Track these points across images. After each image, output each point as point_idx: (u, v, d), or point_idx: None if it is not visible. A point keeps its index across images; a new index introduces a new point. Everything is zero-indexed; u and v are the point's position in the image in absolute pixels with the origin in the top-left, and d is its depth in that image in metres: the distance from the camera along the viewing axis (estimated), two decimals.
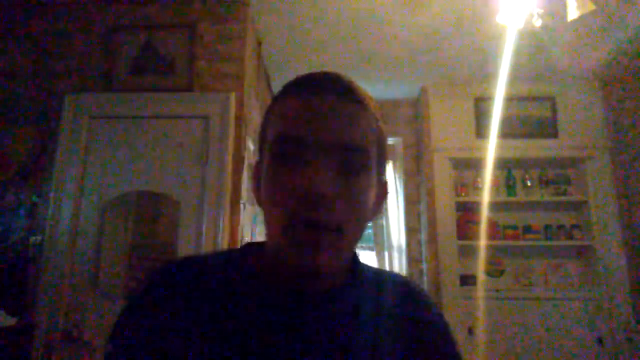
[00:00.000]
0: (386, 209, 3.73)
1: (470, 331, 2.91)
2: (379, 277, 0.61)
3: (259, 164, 0.55)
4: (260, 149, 0.55)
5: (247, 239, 2.31)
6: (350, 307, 0.53)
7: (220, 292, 0.52)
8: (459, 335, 2.87)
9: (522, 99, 3.20)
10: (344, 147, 0.48)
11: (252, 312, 0.50)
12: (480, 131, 3.20)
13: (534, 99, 3.22)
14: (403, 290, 0.60)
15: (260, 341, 0.48)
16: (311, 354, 0.48)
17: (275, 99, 0.54)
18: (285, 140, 0.48)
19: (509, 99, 3.13)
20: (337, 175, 0.47)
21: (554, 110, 3.20)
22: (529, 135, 3.17)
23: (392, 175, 3.66)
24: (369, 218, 0.52)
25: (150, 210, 2.10)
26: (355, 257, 0.59)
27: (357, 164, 0.49)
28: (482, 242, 3.05)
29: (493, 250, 3.16)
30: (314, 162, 0.46)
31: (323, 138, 0.47)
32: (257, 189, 0.55)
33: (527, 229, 3.19)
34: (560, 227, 3.17)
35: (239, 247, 0.61)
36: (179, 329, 0.49)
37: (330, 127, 0.48)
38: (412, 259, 3.33)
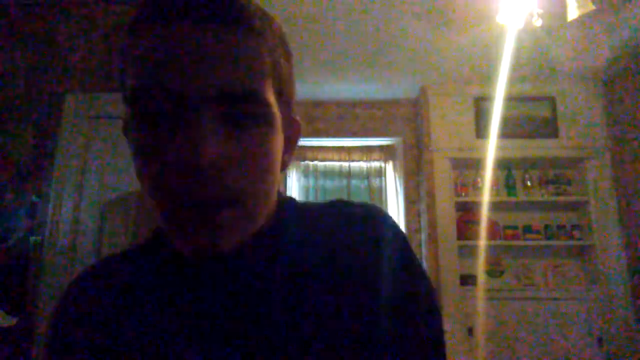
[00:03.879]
0: (386, 208, 3.73)
1: (470, 331, 2.91)
2: (312, 213, 0.49)
3: (126, 120, 0.41)
4: (123, 96, 0.40)
5: None
6: (266, 256, 0.44)
7: (133, 279, 0.46)
8: (459, 335, 2.87)
9: (522, 99, 3.20)
10: (228, 96, 0.36)
11: (164, 288, 0.44)
12: (480, 131, 3.20)
13: (534, 99, 3.22)
14: (335, 219, 0.47)
15: (176, 315, 0.42)
16: (230, 314, 0.42)
17: (134, 23, 0.39)
18: (147, 94, 0.36)
19: (509, 99, 3.13)
20: (224, 133, 0.36)
21: (554, 110, 3.20)
22: (529, 135, 3.17)
23: (392, 175, 3.66)
24: (276, 172, 0.42)
25: (150, 210, 2.09)
26: (281, 204, 0.48)
27: (249, 115, 0.37)
28: (482, 242, 3.05)
29: (493, 250, 3.16)
30: (189, 121, 0.35)
31: (199, 87, 0.35)
32: (128, 141, 0.41)
33: (527, 229, 3.19)
34: (560, 227, 3.17)
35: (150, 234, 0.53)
36: (104, 325, 0.44)
37: (208, 70, 0.35)
38: None
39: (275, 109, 0.40)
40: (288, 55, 0.44)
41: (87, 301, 0.46)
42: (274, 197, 0.44)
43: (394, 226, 0.48)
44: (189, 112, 0.35)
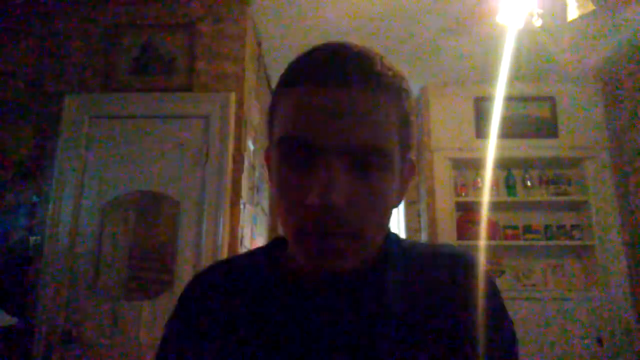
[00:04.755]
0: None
1: None
2: (412, 253, 0.55)
3: (269, 151, 0.52)
4: (269, 137, 0.51)
5: (247, 239, 2.32)
6: (374, 291, 0.50)
7: (247, 292, 0.54)
8: None
9: (522, 99, 3.20)
10: (358, 149, 0.43)
11: (274, 307, 0.51)
12: (480, 131, 3.20)
13: (534, 99, 3.22)
14: (432, 263, 0.54)
15: (278, 336, 0.49)
16: (335, 345, 0.48)
17: (283, 82, 0.48)
18: (292, 143, 0.44)
19: (509, 99, 3.13)
20: (352, 179, 0.43)
21: (554, 110, 3.20)
22: (529, 135, 3.17)
23: None
24: (391, 210, 0.49)
25: (150, 210, 2.10)
26: (388, 237, 0.55)
27: (374, 165, 0.44)
28: (482, 242, 3.04)
29: (493, 250, 3.16)
30: (324, 168, 0.42)
31: (334, 141, 0.42)
32: (268, 171, 0.53)
33: (527, 229, 3.19)
34: (560, 227, 3.17)
35: (267, 243, 0.61)
36: (215, 333, 0.52)
37: (343, 127, 0.42)
38: None
39: (397, 156, 0.46)
40: (413, 109, 0.50)
41: (201, 302, 0.55)
42: (386, 231, 0.53)
43: (492, 284, 0.53)
44: (323, 160, 0.42)
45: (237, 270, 0.58)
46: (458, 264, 0.53)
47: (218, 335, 0.51)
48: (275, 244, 0.58)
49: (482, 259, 0.57)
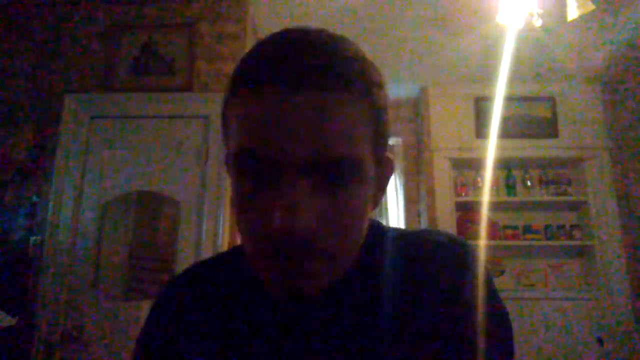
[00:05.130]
0: (386, 210, 3.73)
1: None
2: (398, 244, 0.50)
3: (228, 159, 0.44)
4: (225, 143, 0.44)
5: None
6: (353, 301, 0.46)
7: (219, 301, 0.50)
8: None
9: (522, 99, 3.20)
10: (324, 162, 0.37)
11: (249, 319, 0.48)
12: (480, 131, 3.20)
13: (534, 99, 3.22)
14: (417, 255, 0.48)
15: (259, 349, 0.46)
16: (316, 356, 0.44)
17: (233, 81, 0.41)
18: (248, 158, 0.38)
19: (509, 99, 3.13)
20: (319, 197, 0.37)
21: (554, 110, 3.20)
22: (529, 135, 3.17)
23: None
24: (366, 221, 0.44)
25: (150, 210, 2.10)
26: (370, 230, 0.48)
27: (344, 178, 0.38)
28: (482, 242, 3.04)
29: (493, 250, 3.16)
30: (286, 186, 0.36)
31: (296, 155, 0.36)
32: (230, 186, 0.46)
33: (527, 229, 3.19)
34: (560, 227, 3.17)
35: (227, 250, 0.58)
36: (190, 337, 0.49)
37: (304, 137, 0.36)
38: None
39: (370, 160, 0.41)
40: (386, 102, 0.44)
41: (177, 307, 0.52)
42: (361, 241, 0.44)
43: (481, 266, 0.49)
44: (285, 176, 0.37)
45: (208, 278, 0.54)
46: (444, 254, 0.48)
47: (196, 344, 0.49)
48: (237, 251, 0.54)
49: (472, 247, 0.51)
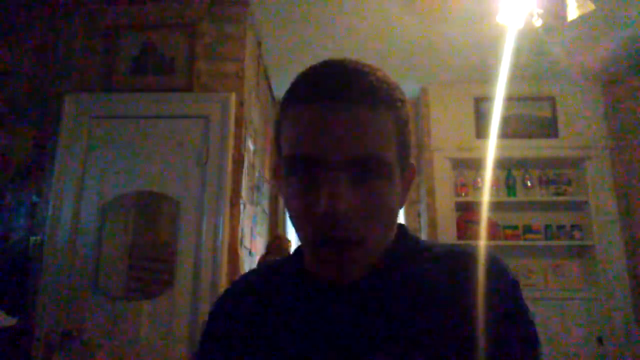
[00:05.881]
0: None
1: None
2: (427, 254, 0.56)
3: (278, 166, 0.56)
4: (278, 153, 0.56)
5: (247, 239, 2.32)
6: (376, 295, 0.51)
7: (268, 296, 0.59)
8: None
9: (522, 99, 3.20)
10: (359, 161, 0.47)
11: (289, 310, 0.56)
12: (480, 131, 3.20)
13: (534, 99, 3.22)
14: (448, 267, 0.53)
15: (289, 337, 0.53)
16: (333, 347, 0.50)
17: (287, 101, 0.52)
18: (299, 161, 0.49)
19: (509, 99, 3.13)
20: (355, 189, 0.47)
21: (554, 110, 3.20)
22: (529, 135, 3.17)
23: None
24: (395, 214, 0.53)
25: (150, 210, 2.10)
26: (404, 239, 0.57)
27: (375, 174, 0.48)
28: (482, 242, 3.04)
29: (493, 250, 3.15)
30: (329, 181, 0.46)
31: (337, 156, 0.46)
32: (277, 184, 0.58)
33: (527, 229, 3.19)
34: (560, 227, 3.17)
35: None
36: (243, 334, 0.57)
37: (345, 142, 0.46)
38: None
39: (396, 163, 0.50)
40: (409, 116, 0.54)
41: (230, 308, 0.61)
42: (392, 233, 0.56)
43: (511, 285, 0.51)
44: (328, 174, 0.46)
45: (261, 279, 0.64)
46: (468, 263, 0.52)
47: (248, 344, 0.55)
48: (298, 251, 0.62)
49: (503, 260, 0.54)
